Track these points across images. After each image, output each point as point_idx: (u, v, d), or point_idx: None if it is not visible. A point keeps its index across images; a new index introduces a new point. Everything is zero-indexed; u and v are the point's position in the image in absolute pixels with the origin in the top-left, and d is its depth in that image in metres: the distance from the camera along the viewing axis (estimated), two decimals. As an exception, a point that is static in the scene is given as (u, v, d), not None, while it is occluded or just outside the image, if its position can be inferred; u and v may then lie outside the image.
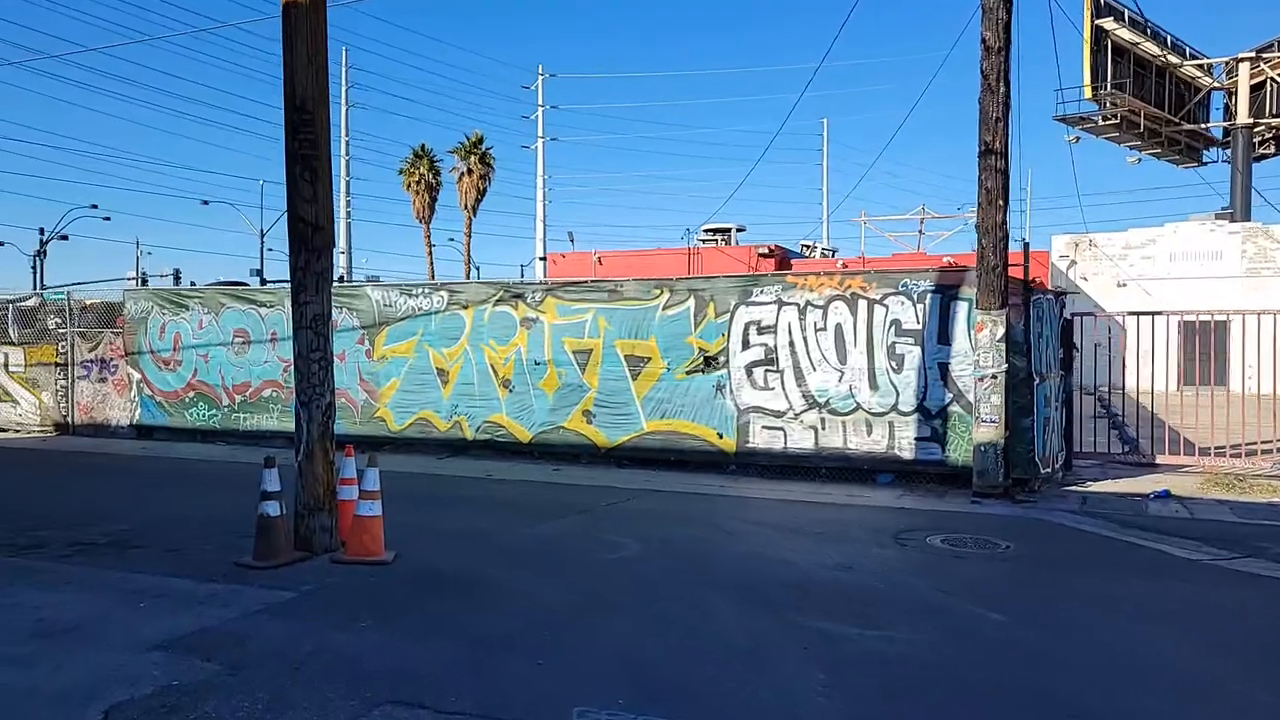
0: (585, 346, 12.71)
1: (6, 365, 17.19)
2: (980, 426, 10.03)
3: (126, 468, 12.92)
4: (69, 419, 16.64)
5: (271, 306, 15.11)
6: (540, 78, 53.09)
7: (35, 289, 27.87)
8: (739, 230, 31.19)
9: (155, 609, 5.73)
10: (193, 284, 29.93)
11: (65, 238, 47.76)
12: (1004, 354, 9.95)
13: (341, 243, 65.00)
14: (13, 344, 17.15)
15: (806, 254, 29.51)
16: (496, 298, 13.40)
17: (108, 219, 61.52)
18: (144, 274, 52.44)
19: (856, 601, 6.11)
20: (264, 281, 38.55)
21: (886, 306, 11.00)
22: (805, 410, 11.41)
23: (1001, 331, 9.93)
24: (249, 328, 15.30)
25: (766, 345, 11.65)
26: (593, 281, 13.17)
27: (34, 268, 48.17)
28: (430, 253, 48.19)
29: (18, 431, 17.00)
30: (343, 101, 65.33)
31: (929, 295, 10.77)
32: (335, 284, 16.22)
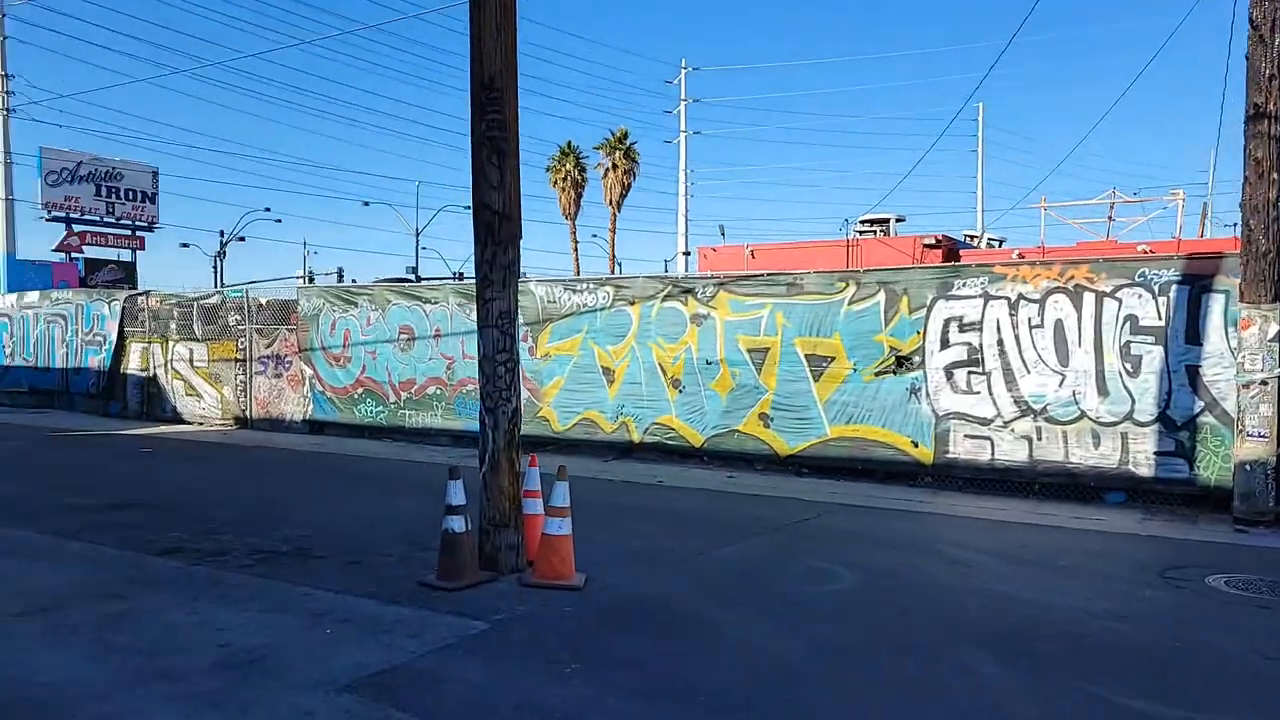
0: (761, 344, 11.73)
1: (192, 361, 17.80)
2: (1244, 441, 8.42)
3: (302, 464, 12.90)
4: (248, 413, 17.05)
5: (435, 303, 14.89)
6: (683, 71, 52.30)
7: (216, 287, 29.32)
8: (898, 220, 29.32)
9: (341, 636, 5.17)
10: (353, 281, 30.80)
11: (243, 239, 50.67)
12: (1276, 356, 8.32)
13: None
14: (197, 340, 17.74)
15: (974, 244, 27.41)
16: (664, 293, 12.61)
17: (279, 221, 65.07)
18: (311, 272, 55.03)
19: (1150, 665, 4.90)
20: (419, 279, 39.55)
21: (1119, 300, 9.48)
22: (1017, 418, 10.03)
23: (1275, 330, 8.29)
24: (414, 324, 15.14)
25: (970, 344, 10.33)
26: (769, 274, 12.16)
27: (214, 268, 51.37)
28: (576, 249, 48.31)
29: (202, 424, 17.57)
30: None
31: (1174, 287, 9.19)
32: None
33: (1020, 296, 10.05)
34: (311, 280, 48.31)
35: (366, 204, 57.01)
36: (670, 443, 12.47)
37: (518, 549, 6.44)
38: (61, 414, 19.43)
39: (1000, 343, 10.16)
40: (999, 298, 10.18)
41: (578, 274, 45.28)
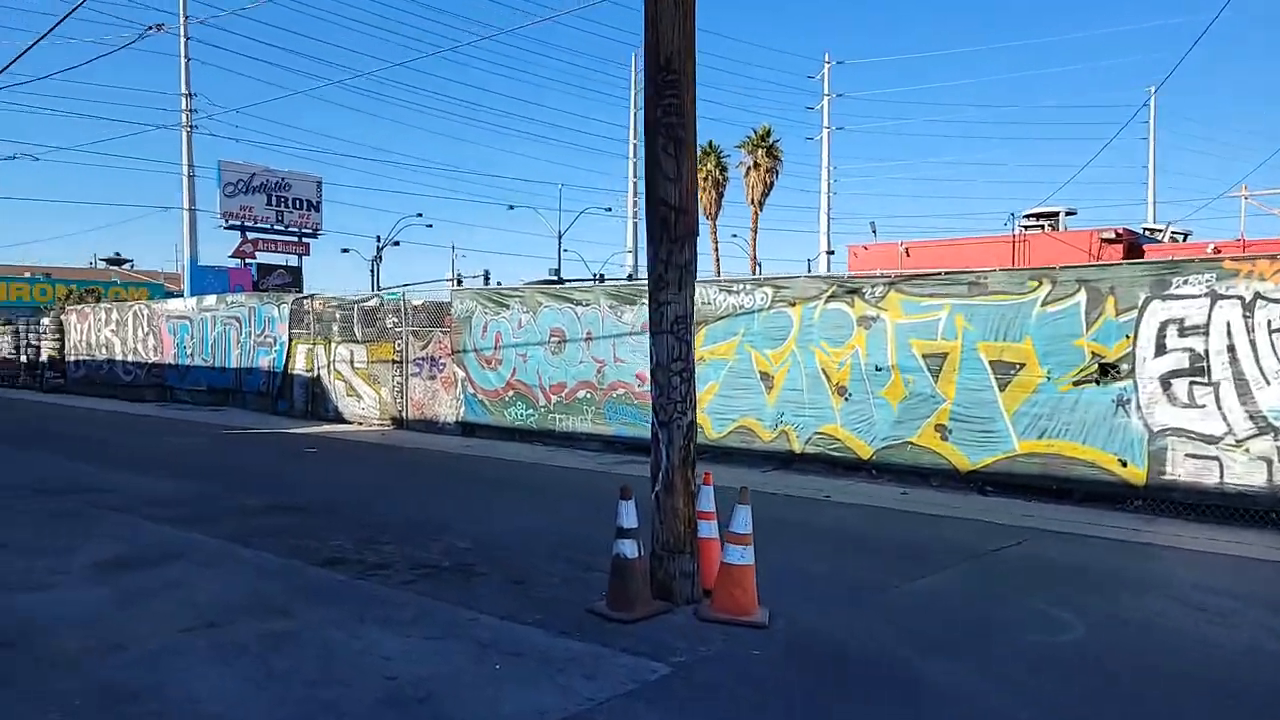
0: (938, 349, 10.68)
1: (352, 362, 18.23)
2: None
3: (456, 468, 12.79)
4: (403, 414, 17.28)
5: (586, 305, 14.54)
6: (826, 65, 50.65)
7: (373, 290, 30.36)
8: (1068, 214, 27.07)
9: (512, 672, 4.68)
10: (499, 284, 31.22)
11: (397, 243, 52.74)
12: None
13: (629, 241, 66.79)
14: (357, 342, 18.14)
15: (1156, 238, 24.91)
16: (828, 293, 11.73)
17: (430, 225, 67.84)
18: (459, 275, 56.76)
19: None
20: (561, 281, 39.88)
21: (1391, 299, 7.96)
22: (1252, 436, 8.62)
23: None
24: (564, 327, 14.85)
25: (1192, 350, 8.97)
26: (948, 273, 11.08)
27: (371, 271, 53.70)
28: (716, 250, 47.67)
29: (361, 424, 17.95)
30: (631, 105, 66.87)
31: None
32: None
33: (1258, 296, 8.62)
34: (459, 283, 49.70)
35: (511, 208, 58.33)
36: (834, 454, 11.58)
37: (693, 578, 5.81)
38: (235, 411, 20.37)
39: (1231, 349, 8.76)
40: (1229, 297, 8.78)
41: (718, 275, 44.60)
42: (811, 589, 6.40)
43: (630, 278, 38.72)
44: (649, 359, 6.01)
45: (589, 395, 14.47)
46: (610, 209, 61.77)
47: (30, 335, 27.27)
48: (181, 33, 48.37)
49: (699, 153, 46.27)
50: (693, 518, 5.86)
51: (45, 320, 27.07)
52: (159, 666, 4.70)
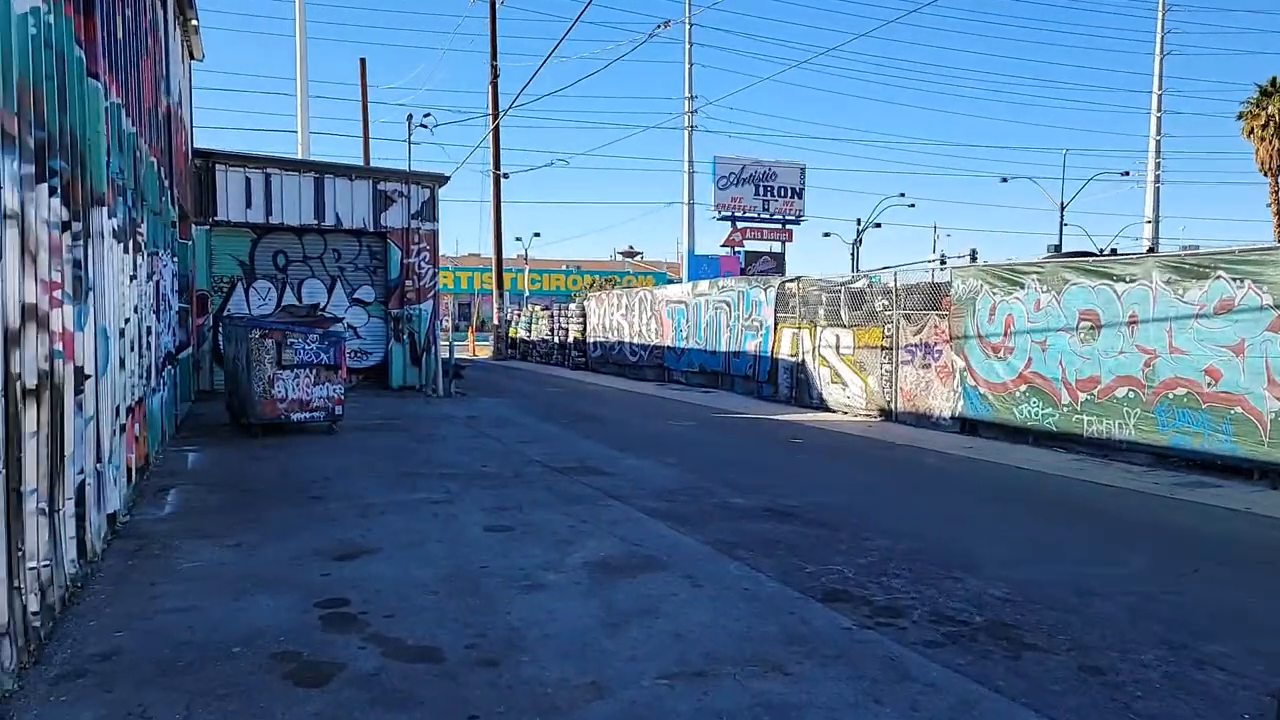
0: None
1: (838, 347, 17.13)
2: None
3: (960, 475, 10.84)
4: (892, 405, 15.68)
5: (1132, 281, 11.44)
6: None
7: (854, 273, 29.25)
8: None
9: None
10: (984, 263, 27.84)
11: (879, 225, 51.26)
12: None
13: (1147, 210, 56.94)
14: (843, 326, 16.97)
15: None
16: None
17: (912, 205, 65.02)
18: (942, 255, 53.31)
19: None
20: (1092, 254, 34.65)
21: None
22: None
23: None
24: (1099, 308, 11.91)
25: None
26: None
27: (852, 254, 52.96)
28: (1279, 210, 37.71)
29: (845, 414, 16.79)
30: (1157, 51, 56.88)
31: None
32: (1231, 250, 11.69)
33: None
34: (943, 263, 46.45)
35: (1004, 180, 52.66)
36: None
37: None
38: (723, 394, 20.66)
39: None
40: None
41: (1282, 243, 35.05)
42: None
43: (1152, 250, 32.13)
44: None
45: (1132, 394, 11.39)
46: (1128, 173, 52.88)
47: (561, 319, 31.28)
48: (686, 38, 52.23)
49: (1256, 94, 36.73)
50: None
51: (572, 305, 30.81)
52: (636, 729, 3.77)
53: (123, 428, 7.43)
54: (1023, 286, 13.15)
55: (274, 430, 12.24)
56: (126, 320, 7.79)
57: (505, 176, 34.29)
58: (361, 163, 30.50)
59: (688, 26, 51.44)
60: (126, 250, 7.88)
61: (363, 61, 37.98)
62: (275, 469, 9.85)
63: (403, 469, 9.91)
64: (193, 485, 8.89)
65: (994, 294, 13.64)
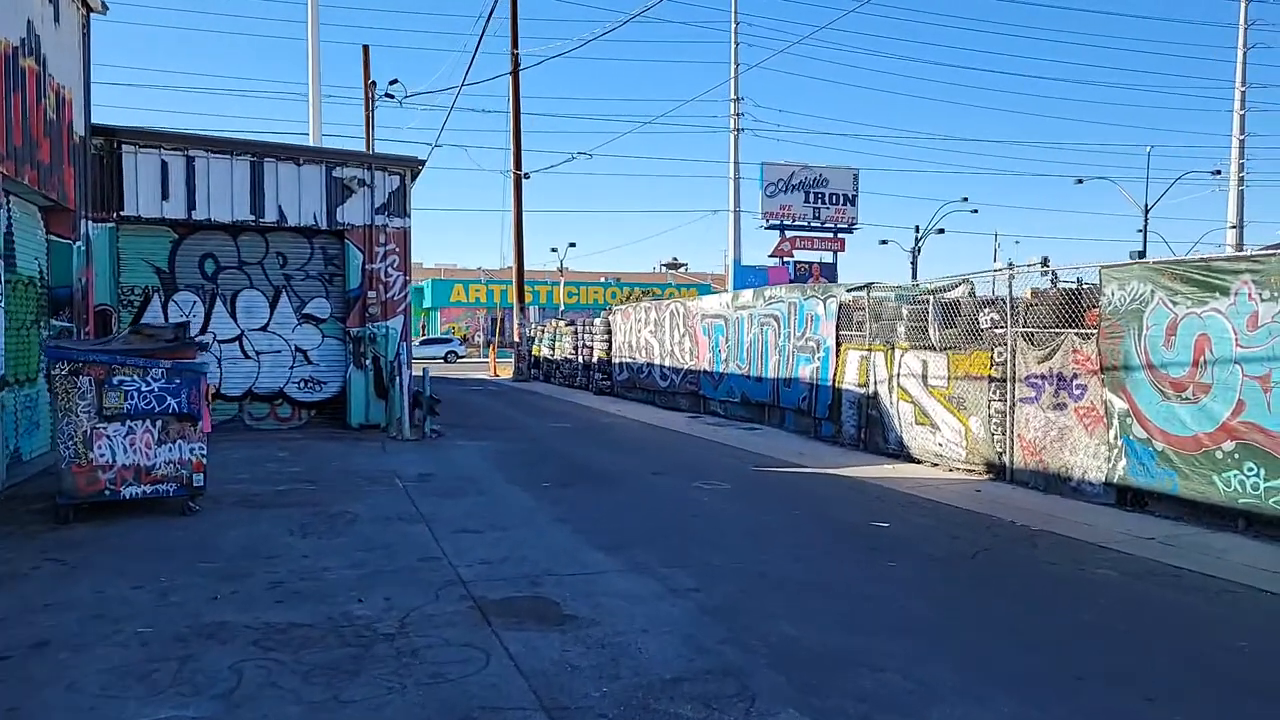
0: None
1: (924, 377, 12.52)
2: None
3: (1167, 609, 6.19)
4: (1006, 458, 11.03)
5: None
6: None
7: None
8: None
9: None
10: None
11: (941, 231, 46.22)
12: None
13: (1230, 214, 51.12)
14: (932, 349, 12.38)
15: None
16: None
17: (975, 211, 59.58)
18: (1010, 262, 48.13)
19: None
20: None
21: None
22: None
23: None
24: (1379, 326, 7.21)
25: None
26: None
27: (911, 263, 47.86)
28: None
29: (936, 465, 12.16)
30: (1239, 45, 51.05)
31: None
32: None
33: None
34: (1012, 270, 41.35)
35: (1080, 181, 47.16)
36: None
37: None
38: (771, 432, 16.15)
39: None
40: None
41: None
42: None
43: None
44: None
45: None
46: (1219, 171, 47.19)
47: (585, 335, 26.93)
48: (732, 40, 47.77)
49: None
50: None
51: (597, 321, 26.46)
52: None
53: None
54: (1226, 293, 8.48)
55: (96, 513, 8.11)
56: None
57: (527, 177, 30.27)
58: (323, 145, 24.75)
59: (733, 28, 47.20)
60: None
61: (365, 49, 34.27)
62: None
63: (199, 619, 5.48)
64: None
65: (1174, 304, 8.99)
